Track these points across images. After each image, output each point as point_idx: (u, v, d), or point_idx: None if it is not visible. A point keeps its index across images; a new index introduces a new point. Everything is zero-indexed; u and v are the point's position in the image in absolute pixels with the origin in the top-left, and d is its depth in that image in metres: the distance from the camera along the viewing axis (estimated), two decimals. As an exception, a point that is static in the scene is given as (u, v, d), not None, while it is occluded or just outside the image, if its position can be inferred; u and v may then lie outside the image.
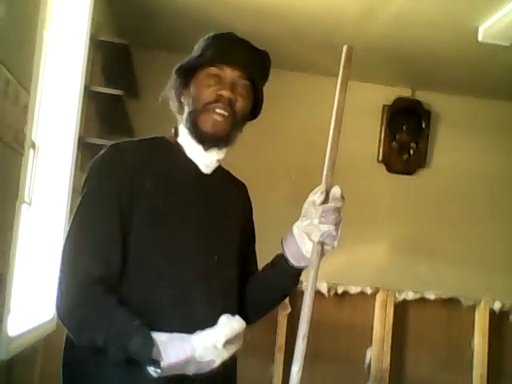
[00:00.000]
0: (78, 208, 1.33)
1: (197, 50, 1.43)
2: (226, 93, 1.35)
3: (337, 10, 3.36)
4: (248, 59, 1.40)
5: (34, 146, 2.45)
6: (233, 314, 1.32)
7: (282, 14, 3.47)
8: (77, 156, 2.86)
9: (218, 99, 1.35)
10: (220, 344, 1.19)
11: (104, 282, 1.24)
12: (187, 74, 1.40)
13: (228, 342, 1.20)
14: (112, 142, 1.42)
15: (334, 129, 1.36)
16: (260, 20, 3.56)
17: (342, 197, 1.32)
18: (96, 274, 1.24)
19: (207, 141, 1.38)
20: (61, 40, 2.74)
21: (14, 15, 1.86)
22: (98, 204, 1.31)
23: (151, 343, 1.17)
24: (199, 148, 1.40)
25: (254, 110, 1.45)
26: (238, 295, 1.41)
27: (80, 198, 1.34)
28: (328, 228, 1.30)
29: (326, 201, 1.32)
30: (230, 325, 1.22)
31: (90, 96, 3.08)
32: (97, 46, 3.13)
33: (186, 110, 1.40)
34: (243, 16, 3.50)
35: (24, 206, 2.24)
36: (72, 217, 1.33)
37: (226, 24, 3.54)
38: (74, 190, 2.77)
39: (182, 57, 1.45)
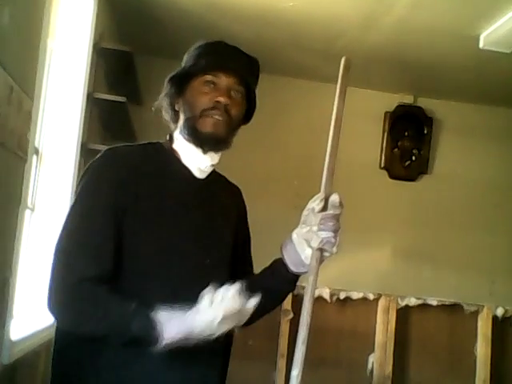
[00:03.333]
0: (72, 209, 1.35)
1: (189, 58, 1.45)
2: (222, 99, 1.38)
3: (338, 17, 3.38)
4: (241, 66, 1.43)
5: (37, 152, 2.47)
6: None
7: (284, 22, 3.49)
8: (79, 162, 2.88)
9: (215, 106, 1.38)
10: (217, 321, 1.19)
11: (96, 281, 1.27)
12: (181, 83, 1.43)
13: (227, 318, 1.20)
14: (108, 146, 1.44)
15: (333, 138, 1.39)
16: (262, 28, 3.58)
17: (341, 204, 1.35)
18: (89, 274, 1.26)
19: (207, 142, 1.40)
20: (64, 47, 2.77)
21: (18, 23, 1.88)
22: (92, 206, 1.33)
23: (151, 324, 1.19)
24: (197, 152, 1.42)
25: (247, 115, 1.48)
26: None
27: (74, 199, 1.37)
28: (327, 235, 1.33)
29: (325, 208, 1.35)
30: (228, 302, 1.20)
31: (93, 103, 3.10)
32: (100, 53, 3.15)
33: (182, 117, 1.43)
34: (246, 24, 3.52)
35: (27, 212, 2.25)
36: (66, 216, 1.34)
37: (228, 32, 3.57)
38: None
39: (184, 64, 1.47)
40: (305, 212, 1.37)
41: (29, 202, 2.31)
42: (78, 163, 2.84)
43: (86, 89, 2.87)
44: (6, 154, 1.86)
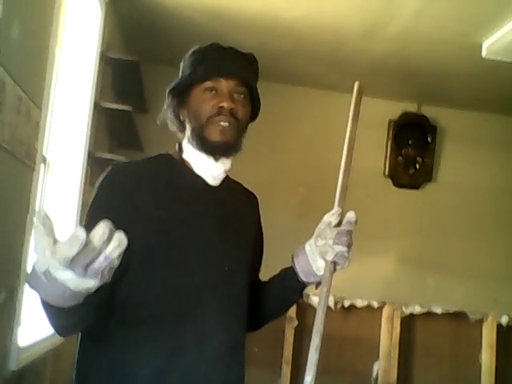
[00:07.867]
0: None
1: (185, 67, 1.44)
2: (226, 104, 1.37)
3: (342, 26, 3.40)
4: (239, 66, 1.42)
5: (44, 160, 2.50)
6: (244, 323, 1.38)
7: (288, 31, 3.52)
8: (86, 170, 2.91)
9: (220, 111, 1.38)
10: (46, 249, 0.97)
11: None
12: (182, 93, 1.43)
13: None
14: (114, 163, 1.43)
15: (346, 159, 1.44)
16: (267, 37, 3.61)
17: (356, 221, 1.39)
18: None
19: (217, 150, 1.39)
20: (72, 57, 2.80)
21: (27, 34, 1.92)
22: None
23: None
24: (208, 160, 1.41)
25: (253, 113, 1.48)
26: (247, 304, 1.43)
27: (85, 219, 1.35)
28: (341, 249, 1.37)
29: (339, 223, 1.39)
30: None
31: (100, 112, 3.13)
32: (107, 62, 3.19)
33: (189, 127, 1.43)
34: (251, 33, 3.55)
35: (35, 220, 2.27)
36: None
37: (233, 41, 3.56)
38: (83, 203, 2.81)
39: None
40: (321, 225, 1.40)
41: (36, 210, 2.33)
42: (85, 171, 2.87)
43: (93, 98, 2.91)
44: (14, 162, 1.88)
